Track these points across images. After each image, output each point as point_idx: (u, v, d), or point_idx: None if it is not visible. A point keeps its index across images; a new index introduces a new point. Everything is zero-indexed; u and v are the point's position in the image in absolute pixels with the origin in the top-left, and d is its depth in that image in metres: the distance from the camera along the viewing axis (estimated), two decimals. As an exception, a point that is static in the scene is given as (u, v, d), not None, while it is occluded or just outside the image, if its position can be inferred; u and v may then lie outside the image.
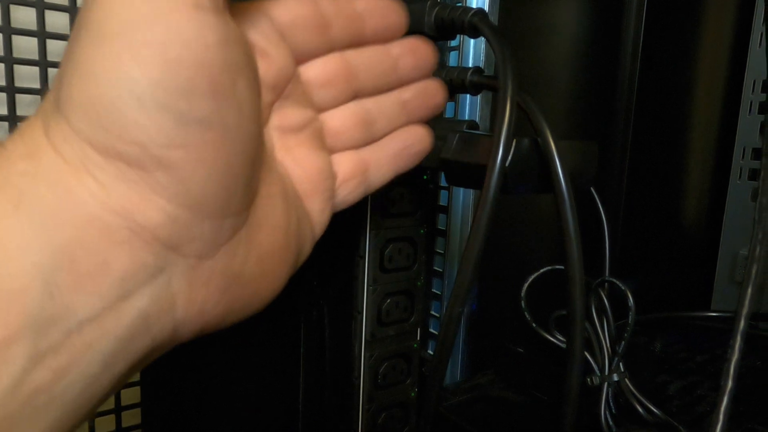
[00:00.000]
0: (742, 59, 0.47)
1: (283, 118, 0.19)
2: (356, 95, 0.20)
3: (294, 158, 0.19)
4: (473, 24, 0.22)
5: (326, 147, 0.20)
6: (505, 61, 0.21)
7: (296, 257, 0.20)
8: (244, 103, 0.15)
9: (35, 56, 0.23)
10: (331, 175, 0.20)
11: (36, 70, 0.23)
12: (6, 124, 0.23)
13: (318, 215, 0.20)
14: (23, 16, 0.22)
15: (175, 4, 0.13)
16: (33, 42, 0.23)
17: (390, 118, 0.21)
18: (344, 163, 0.21)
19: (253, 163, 0.16)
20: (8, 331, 0.12)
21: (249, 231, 0.17)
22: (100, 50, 0.13)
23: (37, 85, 0.23)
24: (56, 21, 0.23)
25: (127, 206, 0.14)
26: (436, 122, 0.26)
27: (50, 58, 0.23)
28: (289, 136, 0.19)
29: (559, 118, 0.40)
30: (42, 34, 0.22)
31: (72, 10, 0.23)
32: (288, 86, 0.18)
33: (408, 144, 0.22)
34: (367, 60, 0.20)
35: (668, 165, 0.49)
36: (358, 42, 0.20)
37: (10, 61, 0.22)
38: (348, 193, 0.21)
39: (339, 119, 0.20)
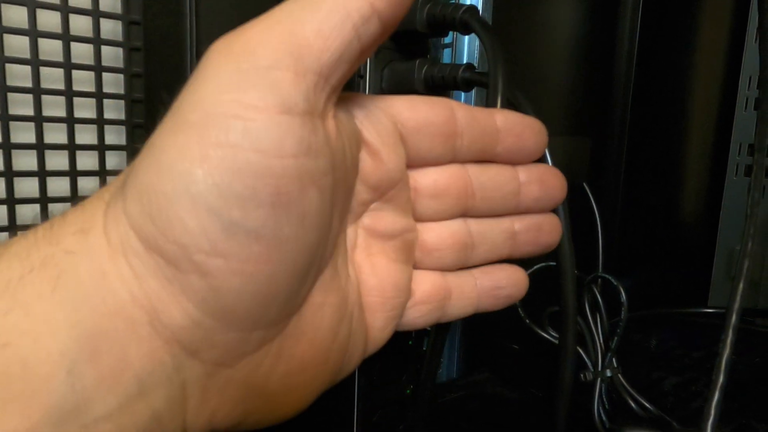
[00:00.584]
0: (738, 55, 0.47)
1: (376, 221, 0.17)
2: (465, 213, 0.19)
3: (372, 266, 0.17)
4: (464, 21, 0.23)
5: (412, 260, 0.18)
6: (496, 58, 0.21)
7: (335, 374, 0.17)
8: (310, 214, 0.14)
9: (27, 55, 0.23)
10: (407, 293, 0.18)
11: (27, 69, 0.23)
12: (-1, 122, 0.23)
13: (377, 332, 0.18)
14: (14, 15, 0.22)
15: (263, 103, 0.13)
16: (24, 41, 0.23)
17: (493, 247, 0.19)
18: (425, 284, 0.19)
19: (304, 276, 0.15)
20: (30, 423, 0.12)
21: (282, 343, 0.15)
22: (173, 138, 0.13)
23: (29, 84, 0.23)
24: (48, 20, 0.23)
25: (154, 302, 0.13)
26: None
27: (42, 56, 0.23)
28: (376, 241, 0.17)
29: (556, 114, 0.40)
30: (33, 33, 0.23)
31: (64, 9, 0.23)
32: (392, 190, 0.17)
33: (501, 285, 0.20)
34: (489, 180, 0.18)
35: (665, 161, 0.49)
36: (485, 158, 0.18)
37: (2, 60, 0.22)
38: (419, 316, 0.19)
39: (437, 235, 0.18)
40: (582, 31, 0.40)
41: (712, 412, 0.21)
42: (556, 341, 0.30)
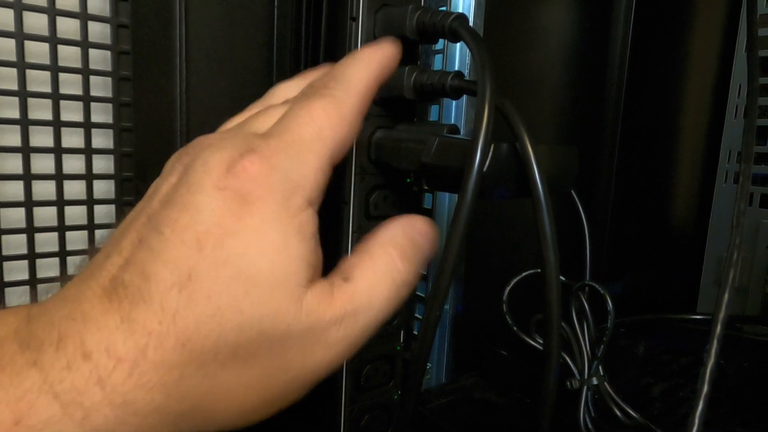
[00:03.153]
0: (728, 63, 0.47)
1: None
2: None
3: None
4: (453, 28, 0.22)
5: None
6: (484, 65, 0.21)
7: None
8: None
9: (13, 58, 0.23)
10: None
11: (14, 71, 0.23)
12: (-15, 125, 0.23)
13: None
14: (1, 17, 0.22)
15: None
16: (11, 43, 0.23)
17: None
18: None
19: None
20: None
21: None
22: None
23: (15, 87, 0.23)
24: (35, 22, 0.23)
25: None
26: (417, 126, 0.26)
27: (28, 59, 0.23)
28: None
29: (547, 121, 0.40)
30: (20, 36, 0.22)
31: (51, 11, 0.23)
32: None
33: None
34: None
35: (656, 168, 0.49)
36: None
37: (-12, 62, 0.22)
38: None
39: None
40: (574, 38, 0.40)
41: (696, 421, 0.21)
42: (542, 348, 0.30)
